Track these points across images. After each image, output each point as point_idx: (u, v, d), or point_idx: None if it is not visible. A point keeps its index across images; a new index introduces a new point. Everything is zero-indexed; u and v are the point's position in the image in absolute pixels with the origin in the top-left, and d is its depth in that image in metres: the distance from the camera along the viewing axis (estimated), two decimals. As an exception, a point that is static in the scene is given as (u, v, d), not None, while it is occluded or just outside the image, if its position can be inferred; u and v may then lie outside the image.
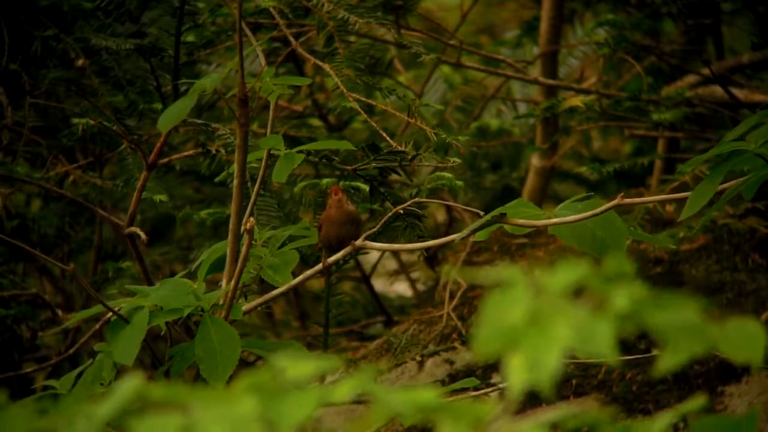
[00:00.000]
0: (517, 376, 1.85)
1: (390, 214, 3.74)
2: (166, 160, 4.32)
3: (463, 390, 3.72)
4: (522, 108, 6.47)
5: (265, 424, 1.69)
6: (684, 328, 1.87)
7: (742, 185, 3.27)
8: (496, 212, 3.39)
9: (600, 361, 4.60)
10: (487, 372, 4.89)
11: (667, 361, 1.89)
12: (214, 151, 4.49)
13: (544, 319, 1.86)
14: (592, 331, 1.83)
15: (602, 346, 1.83)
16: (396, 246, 3.87)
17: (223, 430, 1.61)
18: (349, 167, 4.28)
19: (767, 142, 3.25)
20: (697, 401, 2.18)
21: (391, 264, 6.52)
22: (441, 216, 6.46)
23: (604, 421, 2.08)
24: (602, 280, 1.89)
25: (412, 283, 6.32)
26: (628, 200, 3.31)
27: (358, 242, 3.71)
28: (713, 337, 1.92)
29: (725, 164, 3.29)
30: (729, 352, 1.90)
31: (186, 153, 4.51)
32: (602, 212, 3.28)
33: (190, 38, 5.00)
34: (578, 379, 4.78)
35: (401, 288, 6.56)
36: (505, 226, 3.40)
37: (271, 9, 4.65)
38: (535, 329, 1.86)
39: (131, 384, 1.93)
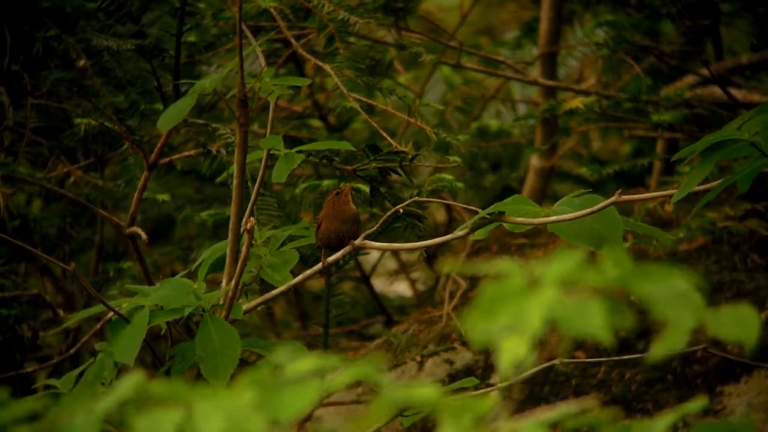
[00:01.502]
0: (508, 351, 1.86)
1: (389, 213, 3.74)
2: (166, 160, 4.33)
3: (463, 389, 3.73)
4: (522, 109, 6.48)
5: (263, 415, 1.69)
6: (675, 297, 1.88)
7: (738, 177, 3.25)
8: (493, 208, 3.38)
9: (599, 360, 4.61)
10: (486, 372, 4.90)
11: (664, 342, 1.89)
12: (214, 152, 4.50)
13: (533, 292, 1.88)
14: (584, 309, 1.84)
15: (594, 324, 1.84)
16: (396, 245, 3.87)
17: (220, 420, 1.62)
18: (349, 167, 4.28)
19: (761, 131, 3.23)
20: (697, 403, 2.19)
21: (391, 264, 6.52)
22: (441, 216, 6.47)
23: (604, 421, 2.08)
24: (598, 269, 1.90)
25: (412, 283, 6.32)
26: (626, 197, 3.32)
27: (358, 241, 3.71)
28: (706, 315, 1.92)
29: (718, 152, 3.26)
30: (723, 334, 1.90)
31: (187, 153, 4.53)
32: (601, 209, 3.28)
33: (191, 39, 5.01)
34: (578, 379, 4.78)
35: (401, 288, 6.56)
36: (505, 224, 3.40)
37: (272, 10, 4.66)
38: (522, 295, 1.87)
39: (132, 381, 1.94)
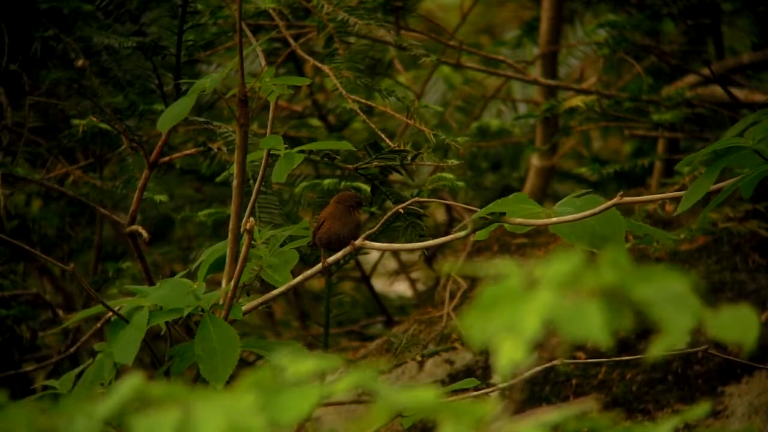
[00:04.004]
0: (505, 353, 1.86)
1: (390, 212, 3.73)
2: (166, 159, 4.32)
3: (463, 390, 3.72)
4: (522, 108, 6.47)
5: (264, 419, 1.68)
6: (672, 299, 1.87)
7: (740, 182, 3.25)
8: (494, 208, 3.36)
9: (600, 360, 4.60)
10: (487, 372, 4.89)
11: (662, 342, 1.88)
12: (215, 150, 4.49)
13: (530, 294, 1.87)
14: (581, 311, 1.84)
15: (592, 326, 1.83)
16: (396, 246, 3.86)
17: (221, 422, 1.61)
18: (350, 166, 4.27)
19: (765, 138, 3.22)
20: (700, 408, 2.18)
21: (391, 264, 6.52)
22: (441, 216, 6.46)
23: (605, 424, 2.08)
24: (596, 269, 1.89)
25: (412, 283, 6.32)
26: (628, 198, 3.30)
27: (358, 242, 3.70)
28: (704, 315, 1.92)
29: (722, 160, 3.26)
30: (721, 334, 1.90)
31: (186, 152, 4.52)
32: (602, 211, 3.27)
33: (190, 37, 5.00)
34: (578, 379, 4.78)
35: (401, 288, 6.55)
36: (506, 225, 3.39)
37: (271, 11, 4.65)
38: (519, 298, 1.86)
39: (131, 383, 1.93)
